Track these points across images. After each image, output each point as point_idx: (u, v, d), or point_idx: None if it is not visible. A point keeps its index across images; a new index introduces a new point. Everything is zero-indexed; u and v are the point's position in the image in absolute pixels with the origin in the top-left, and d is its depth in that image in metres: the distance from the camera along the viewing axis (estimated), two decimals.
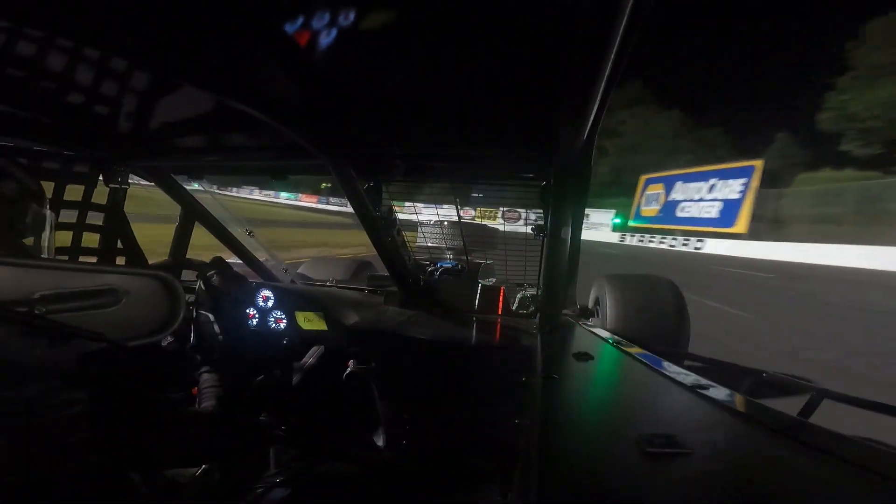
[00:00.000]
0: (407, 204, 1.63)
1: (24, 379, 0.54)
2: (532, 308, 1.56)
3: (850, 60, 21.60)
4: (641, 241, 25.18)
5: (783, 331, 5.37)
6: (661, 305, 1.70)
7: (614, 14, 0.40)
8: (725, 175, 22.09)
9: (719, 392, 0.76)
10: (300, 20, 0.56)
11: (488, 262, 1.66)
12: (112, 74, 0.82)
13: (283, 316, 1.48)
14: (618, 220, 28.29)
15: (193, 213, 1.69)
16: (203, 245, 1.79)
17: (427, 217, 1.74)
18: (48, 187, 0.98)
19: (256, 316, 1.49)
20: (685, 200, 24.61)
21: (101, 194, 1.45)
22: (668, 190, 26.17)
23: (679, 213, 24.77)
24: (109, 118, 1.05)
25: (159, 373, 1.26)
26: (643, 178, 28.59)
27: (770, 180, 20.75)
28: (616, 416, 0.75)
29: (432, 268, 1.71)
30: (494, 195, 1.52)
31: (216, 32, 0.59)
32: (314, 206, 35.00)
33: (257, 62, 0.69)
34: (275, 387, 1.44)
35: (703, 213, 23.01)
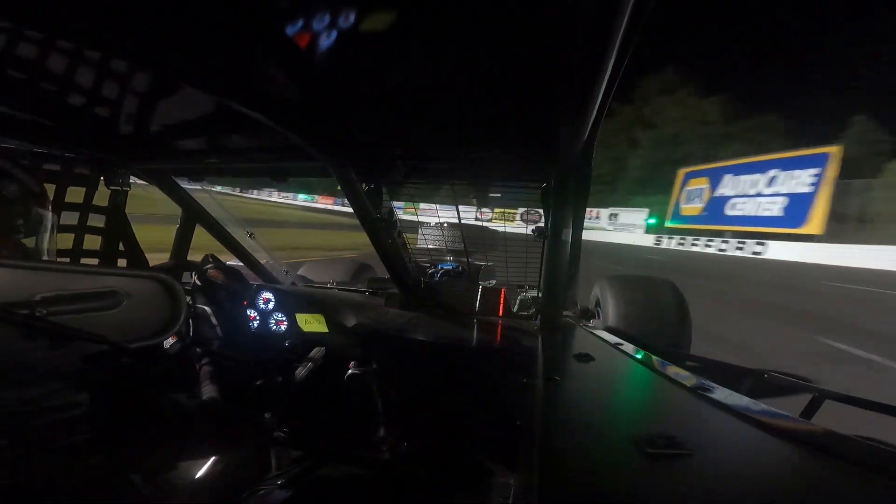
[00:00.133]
0: (408, 205, 1.64)
1: (25, 381, 0.55)
2: (533, 310, 1.56)
3: None
4: (682, 243, 21.13)
5: None
6: (661, 306, 1.70)
7: (614, 14, 0.40)
8: (790, 165, 18.22)
9: (720, 393, 0.75)
10: (300, 21, 0.56)
11: (489, 263, 1.66)
12: (113, 76, 0.82)
13: (284, 318, 1.48)
14: (652, 221, 24.12)
15: (194, 215, 1.69)
16: (205, 247, 1.79)
17: (427, 218, 1.74)
18: (49, 189, 0.98)
19: (257, 318, 1.50)
20: (736, 196, 20.66)
21: (102, 196, 1.45)
22: (715, 184, 21.90)
23: (729, 211, 20.89)
24: (111, 120, 1.06)
25: (160, 374, 1.26)
26: (681, 171, 24.02)
27: (847, 171, 16.95)
28: (617, 417, 0.75)
29: (433, 270, 1.71)
30: (495, 196, 1.51)
31: (216, 34, 0.59)
32: (330, 207, 34.84)
33: (258, 64, 0.69)
34: (276, 389, 1.44)
35: (761, 211, 19.22)
